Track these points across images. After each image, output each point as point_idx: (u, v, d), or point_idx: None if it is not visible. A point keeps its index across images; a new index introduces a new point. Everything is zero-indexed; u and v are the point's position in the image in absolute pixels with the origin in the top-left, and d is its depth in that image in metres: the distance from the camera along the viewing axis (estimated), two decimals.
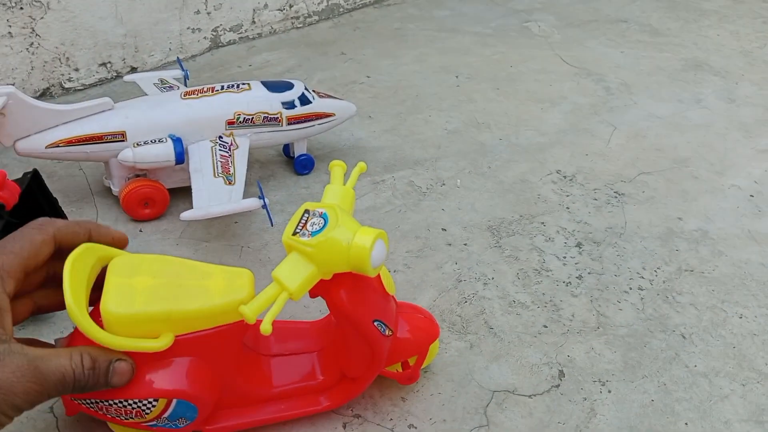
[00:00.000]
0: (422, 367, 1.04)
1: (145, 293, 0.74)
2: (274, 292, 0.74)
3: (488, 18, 2.31)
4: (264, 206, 1.20)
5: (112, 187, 1.36)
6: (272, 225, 1.26)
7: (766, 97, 1.98)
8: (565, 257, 1.35)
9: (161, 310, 0.74)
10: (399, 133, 1.70)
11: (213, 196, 1.20)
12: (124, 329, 0.73)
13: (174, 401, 0.78)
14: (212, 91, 1.36)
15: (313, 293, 0.81)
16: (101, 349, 0.73)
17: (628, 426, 1.04)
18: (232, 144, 1.34)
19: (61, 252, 0.76)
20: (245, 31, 1.99)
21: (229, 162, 1.29)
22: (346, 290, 0.81)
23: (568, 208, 1.49)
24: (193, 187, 1.23)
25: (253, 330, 0.83)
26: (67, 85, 1.70)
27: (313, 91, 1.47)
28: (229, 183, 1.23)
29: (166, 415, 0.79)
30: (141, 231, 1.33)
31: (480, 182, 1.56)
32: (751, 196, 1.57)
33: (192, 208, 1.21)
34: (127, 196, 1.30)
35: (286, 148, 1.54)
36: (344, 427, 0.97)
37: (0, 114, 1.18)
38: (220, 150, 1.31)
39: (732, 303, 1.28)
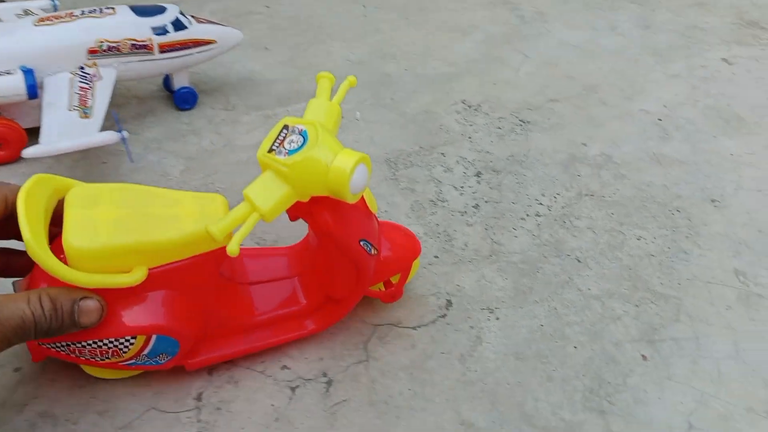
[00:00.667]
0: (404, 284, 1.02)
1: (111, 224, 0.69)
2: (244, 211, 0.69)
3: None
4: (122, 139, 1.09)
5: None
6: (131, 161, 1.15)
7: (682, 23, 1.95)
8: (462, 187, 1.29)
9: (130, 241, 0.69)
10: (296, 64, 1.59)
11: (64, 130, 1.08)
12: (90, 265, 0.68)
13: (153, 337, 0.75)
14: (70, 17, 1.22)
15: (294, 215, 0.77)
16: (63, 288, 0.68)
17: (515, 352, 1.00)
18: (95, 75, 1.21)
19: (13, 216, 0.69)
20: None
21: (89, 94, 1.16)
22: (331, 211, 0.77)
23: (470, 137, 1.42)
24: (42, 121, 1.11)
25: (229, 259, 0.79)
26: None
27: (192, 16, 1.34)
28: (85, 116, 1.11)
29: (145, 352, 0.76)
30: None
31: (381, 114, 1.47)
32: (659, 120, 1.54)
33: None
34: None
35: (167, 81, 1.41)
36: (210, 373, 0.90)
37: None
38: (79, 81, 1.18)
39: (631, 225, 1.25)
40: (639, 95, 1.61)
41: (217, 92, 1.46)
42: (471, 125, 1.46)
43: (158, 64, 1.29)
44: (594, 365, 0.99)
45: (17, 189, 0.70)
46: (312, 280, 0.93)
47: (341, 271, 0.87)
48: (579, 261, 1.16)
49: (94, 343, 0.73)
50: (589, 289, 1.11)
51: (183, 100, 1.38)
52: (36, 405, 0.84)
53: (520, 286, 1.10)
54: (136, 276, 0.70)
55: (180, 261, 0.74)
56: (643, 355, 1.02)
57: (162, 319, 0.75)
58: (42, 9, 1.43)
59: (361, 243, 0.82)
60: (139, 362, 0.78)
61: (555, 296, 1.09)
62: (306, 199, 0.74)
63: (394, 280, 1.00)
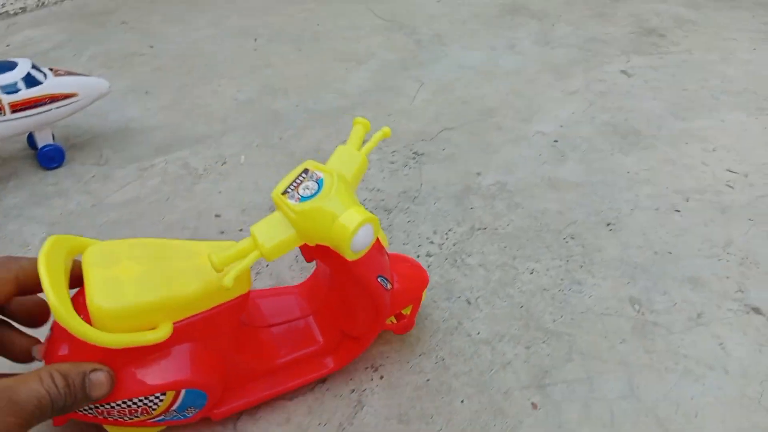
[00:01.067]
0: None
1: (134, 282, 0.68)
2: (246, 246, 0.69)
3: None
4: None
5: None
6: None
7: (581, 36, 1.95)
8: None
9: (156, 298, 0.68)
10: (180, 108, 1.51)
11: None
12: (116, 324, 0.67)
13: (183, 392, 0.74)
14: None
15: (310, 257, 0.78)
16: (71, 363, 0.68)
17: (398, 414, 0.94)
18: None
19: (24, 293, 0.72)
20: (4, 5, 1.71)
21: None
22: None
23: None
24: None
25: (248, 305, 0.80)
26: None
27: (51, 69, 1.24)
28: None
29: (174, 407, 0.75)
30: None
31: (268, 156, 1.41)
32: (555, 141, 1.52)
33: None
34: None
35: (31, 138, 1.31)
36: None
37: None
38: None
39: (524, 258, 1.21)
40: (536, 116, 1.60)
41: (89, 146, 1.37)
42: None
43: (11, 125, 1.19)
44: (481, 420, 0.94)
45: (29, 265, 0.71)
46: (326, 317, 0.93)
47: (359, 308, 0.87)
48: (469, 303, 1.12)
49: (124, 402, 0.72)
50: (479, 333, 1.07)
51: (48, 158, 1.28)
52: None
53: (406, 337, 1.05)
54: (163, 332, 0.69)
55: (203, 312, 0.73)
56: (533, 403, 0.97)
57: (191, 373, 0.74)
58: None
59: (378, 279, 0.82)
60: (168, 418, 0.77)
61: (443, 345, 1.04)
62: (312, 244, 0.74)
63: (406, 311, 1.00)
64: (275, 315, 0.93)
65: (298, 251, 0.80)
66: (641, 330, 1.10)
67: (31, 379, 0.66)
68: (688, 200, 1.37)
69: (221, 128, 1.46)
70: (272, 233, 0.70)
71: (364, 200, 1.30)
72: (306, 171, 0.73)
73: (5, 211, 1.20)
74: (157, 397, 0.73)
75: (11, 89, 1.17)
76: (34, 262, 0.72)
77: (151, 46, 1.70)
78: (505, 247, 1.23)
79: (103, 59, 1.64)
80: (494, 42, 1.88)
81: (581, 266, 1.20)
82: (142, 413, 0.74)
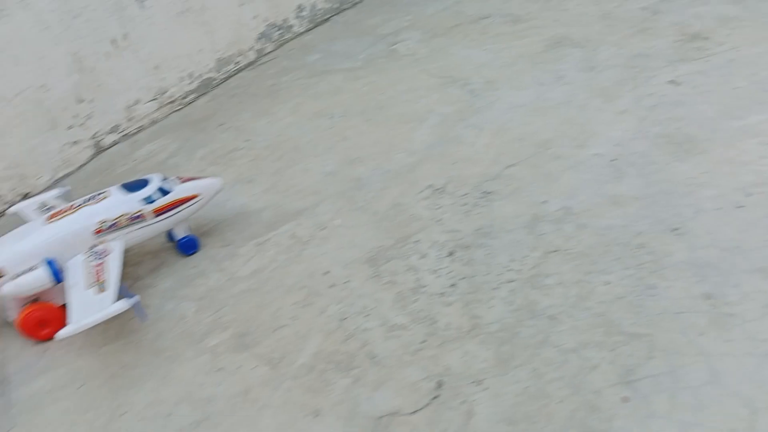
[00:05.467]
0: None
1: None
2: None
3: (357, 51, 2.41)
4: (133, 306, 1.27)
5: (9, 318, 1.43)
6: (143, 320, 1.33)
7: (625, 55, 2.07)
8: (438, 270, 1.42)
9: None
10: (278, 189, 1.78)
11: (86, 308, 1.27)
12: None
13: None
14: (72, 209, 1.44)
15: None
16: None
17: (506, 418, 1.10)
18: (104, 251, 1.41)
19: None
20: (124, 129, 2.07)
21: (102, 269, 1.36)
22: None
23: (439, 220, 1.56)
24: (67, 302, 1.30)
25: None
26: None
27: (177, 177, 1.54)
28: (101, 291, 1.30)
29: None
30: (46, 351, 1.40)
31: (357, 217, 1.63)
32: (612, 160, 1.65)
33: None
34: (21, 323, 1.38)
35: (170, 233, 1.61)
36: None
37: None
38: (93, 260, 1.38)
39: (597, 272, 1.34)
40: (590, 140, 1.73)
41: (216, 231, 1.65)
42: (439, 208, 1.60)
43: (155, 227, 1.49)
44: (578, 417, 1.08)
45: None
46: None
47: None
48: (553, 318, 1.26)
49: None
50: (565, 344, 1.21)
51: (186, 247, 1.57)
52: None
53: (501, 354, 1.21)
54: None
55: None
56: (623, 398, 1.10)
57: None
58: (56, 197, 1.66)
59: None
60: None
61: (534, 357, 1.19)
62: None
63: None
64: None
65: None
66: (717, 322, 1.20)
67: None
68: (750, 195, 1.45)
69: (315, 200, 1.70)
70: None
71: (445, 242, 1.49)
72: None
73: (162, 293, 1.48)
74: None
75: (149, 200, 1.47)
76: None
77: (247, 140, 2.00)
78: (578, 264, 1.37)
79: (210, 158, 1.95)
80: (541, 77, 2.04)
81: (653, 272, 1.32)
82: None
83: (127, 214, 1.43)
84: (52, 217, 1.42)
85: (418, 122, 1.94)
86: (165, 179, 1.51)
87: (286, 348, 1.30)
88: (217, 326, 1.38)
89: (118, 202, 1.44)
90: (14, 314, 1.42)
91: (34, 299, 1.41)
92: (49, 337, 1.41)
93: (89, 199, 1.44)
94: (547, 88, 1.99)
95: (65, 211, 1.43)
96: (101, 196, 1.45)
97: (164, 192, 1.48)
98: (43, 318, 1.39)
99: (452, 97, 2.03)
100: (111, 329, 1.41)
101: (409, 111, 2.00)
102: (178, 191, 1.50)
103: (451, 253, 1.46)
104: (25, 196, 1.88)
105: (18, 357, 1.40)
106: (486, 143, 1.80)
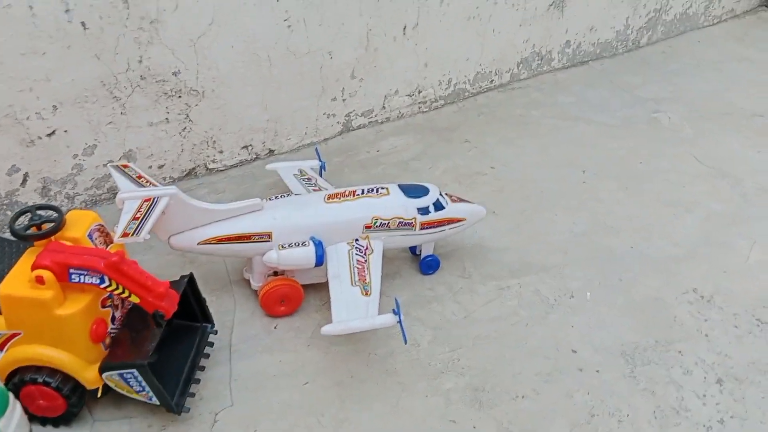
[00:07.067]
0: None
1: None
2: None
3: (614, 106, 2.26)
4: (399, 323, 1.22)
5: (252, 281, 1.42)
6: (405, 343, 1.27)
7: None
8: (704, 396, 1.27)
9: None
10: (523, 233, 1.68)
11: (351, 308, 1.24)
12: None
13: None
14: (353, 195, 1.41)
15: None
16: None
17: None
18: (367, 248, 1.37)
19: None
20: (375, 116, 2.06)
21: (365, 268, 1.32)
22: None
23: (706, 335, 1.41)
24: (332, 296, 1.27)
25: None
26: (211, 166, 1.82)
27: (446, 195, 1.48)
28: (366, 293, 1.26)
29: None
30: (275, 328, 1.38)
31: (610, 297, 1.50)
32: None
33: (330, 318, 1.24)
34: (266, 295, 1.36)
35: (413, 247, 1.56)
36: None
37: (162, 213, 1.28)
38: (356, 254, 1.35)
39: None
40: None
41: (453, 257, 1.58)
42: (706, 320, 1.44)
43: (416, 238, 1.44)
44: None
45: None
46: None
47: None
48: None
49: None
50: None
51: (428, 266, 1.52)
52: None
53: None
54: None
55: None
56: None
57: None
58: (311, 168, 1.67)
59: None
60: None
61: None
62: None
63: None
64: None
65: None
66: None
67: None
68: None
69: (562, 259, 1.60)
70: None
71: (713, 364, 1.34)
72: None
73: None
74: None
75: (424, 211, 1.42)
76: None
77: (492, 167, 1.93)
78: None
79: (453, 174, 1.89)
80: None
81: None
82: None
83: (399, 218, 1.39)
84: (331, 198, 1.40)
85: (683, 210, 1.78)
86: (441, 194, 1.45)
87: (525, 424, 1.21)
88: (453, 368, 1.31)
89: (396, 204, 1.40)
90: (257, 281, 1.41)
91: (280, 272, 1.40)
92: (283, 314, 1.40)
93: (370, 191, 1.41)
94: None
95: (345, 196, 1.40)
96: (383, 191, 1.41)
97: (439, 207, 1.43)
98: (286, 295, 1.37)
99: (721, 194, 1.85)
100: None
101: (672, 193, 1.84)
102: (450, 210, 1.44)
103: (719, 381, 1.30)
104: (270, 153, 1.91)
105: (247, 325, 1.39)
106: (760, 260, 1.62)
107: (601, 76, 2.47)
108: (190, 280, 1.22)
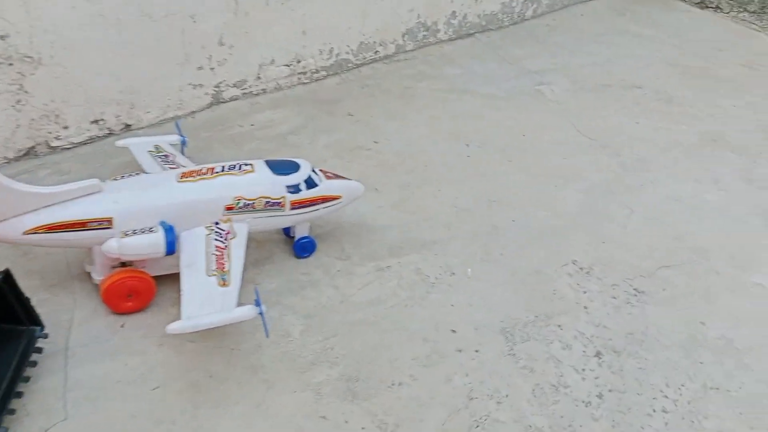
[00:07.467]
0: None
1: None
2: None
3: (500, 78, 2.23)
4: (261, 314, 1.10)
5: (93, 275, 1.24)
6: (267, 336, 1.15)
7: None
8: (583, 370, 1.25)
9: None
10: (406, 209, 1.60)
11: (205, 301, 1.09)
12: None
13: None
14: (212, 173, 1.25)
15: None
16: None
17: None
18: (228, 232, 1.23)
19: None
20: (249, 86, 1.89)
21: (225, 255, 1.18)
22: None
23: (586, 307, 1.39)
24: (182, 288, 1.12)
25: None
26: (54, 143, 1.59)
27: (321, 171, 1.37)
28: (223, 284, 1.12)
29: None
30: (122, 326, 1.21)
31: (492, 272, 1.45)
32: None
33: (179, 310, 1.09)
34: (109, 289, 1.19)
35: (287, 228, 1.43)
36: None
37: None
38: (215, 240, 1.20)
39: (764, 428, 1.18)
40: (751, 264, 1.57)
41: (331, 238, 1.47)
42: (585, 292, 1.43)
43: (287, 219, 1.32)
44: None
45: None
46: None
47: None
48: None
49: None
50: None
51: (302, 249, 1.40)
52: None
53: None
54: None
55: None
56: None
57: None
58: (170, 144, 1.49)
59: None
60: None
61: None
62: None
63: None
64: None
65: None
66: None
67: None
68: None
69: (446, 235, 1.53)
70: None
71: (592, 336, 1.32)
72: None
73: (266, 295, 1.29)
74: None
75: (294, 189, 1.29)
76: None
77: (375, 141, 1.82)
78: (740, 413, 1.20)
79: (335, 149, 1.77)
80: (698, 174, 1.87)
81: None
82: None
83: (266, 198, 1.26)
84: (185, 176, 1.24)
85: (564, 181, 1.76)
86: (313, 170, 1.33)
87: (401, 414, 1.13)
88: (326, 358, 1.21)
89: (261, 182, 1.26)
90: (99, 274, 1.23)
91: (128, 263, 1.23)
92: (131, 310, 1.23)
93: (232, 168, 1.26)
94: (703, 188, 1.82)
95: (202, 174, 1.25)
96: (246, 168, 1.27)
97: (311, 185, 1.30)
98: (134, 289, 1.21)
99: (602, 165, 1.85)
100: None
101: (554, 165, 1.82)
102: (324, 187, 1.32)
103: (598, 354, 1.29)
104: (126, 128, 1.71)
105: (87, 324, 1.22)
106: (637, 229, 1.63)
107: (488, 48, 2.43)
108: (6, 277, 1.03)
